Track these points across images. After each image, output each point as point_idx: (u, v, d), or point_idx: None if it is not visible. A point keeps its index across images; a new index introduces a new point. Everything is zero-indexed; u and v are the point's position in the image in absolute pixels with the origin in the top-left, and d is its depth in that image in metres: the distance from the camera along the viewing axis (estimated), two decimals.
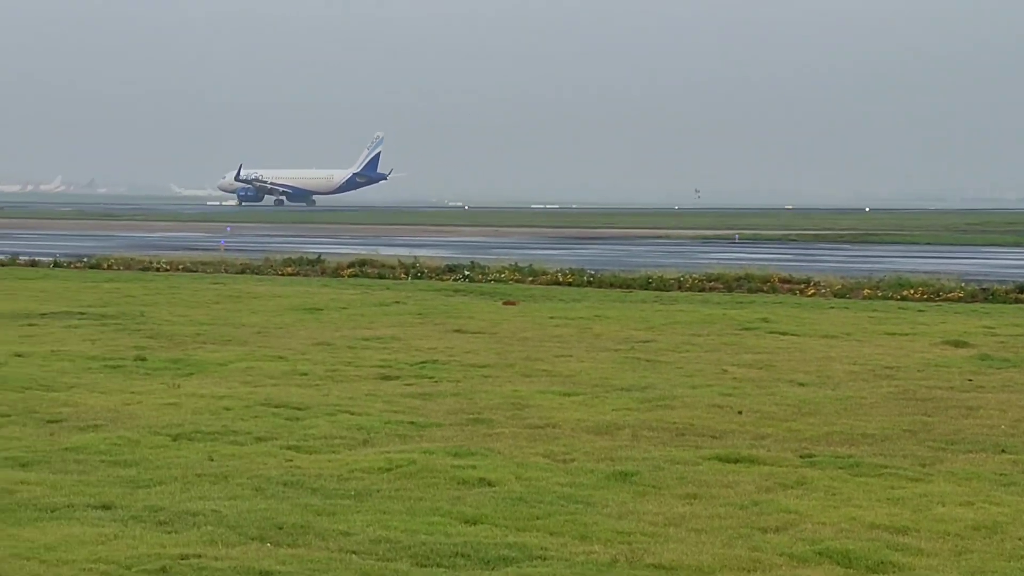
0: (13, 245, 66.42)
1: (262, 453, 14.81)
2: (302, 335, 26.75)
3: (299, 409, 17.65)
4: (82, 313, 30.23)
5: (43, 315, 29.67)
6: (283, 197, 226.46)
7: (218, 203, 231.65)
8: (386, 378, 20.85)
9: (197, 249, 64.10)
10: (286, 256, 50.49)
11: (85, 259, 50.36)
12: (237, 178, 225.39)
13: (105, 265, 48.11)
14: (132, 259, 49.78)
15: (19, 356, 22.50)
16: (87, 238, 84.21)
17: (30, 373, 20.48)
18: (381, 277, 44.52)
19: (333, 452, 14.99)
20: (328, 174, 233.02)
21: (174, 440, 15.41)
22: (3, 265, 48.20)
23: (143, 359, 22.33)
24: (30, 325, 27.65)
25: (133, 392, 18.85)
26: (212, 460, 14.35)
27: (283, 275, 45.44)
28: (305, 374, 21.09)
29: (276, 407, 17.78)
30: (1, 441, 15.08)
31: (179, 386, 19.48)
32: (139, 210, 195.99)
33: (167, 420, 16.64)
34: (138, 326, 27.78)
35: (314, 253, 52.00)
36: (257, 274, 45.84)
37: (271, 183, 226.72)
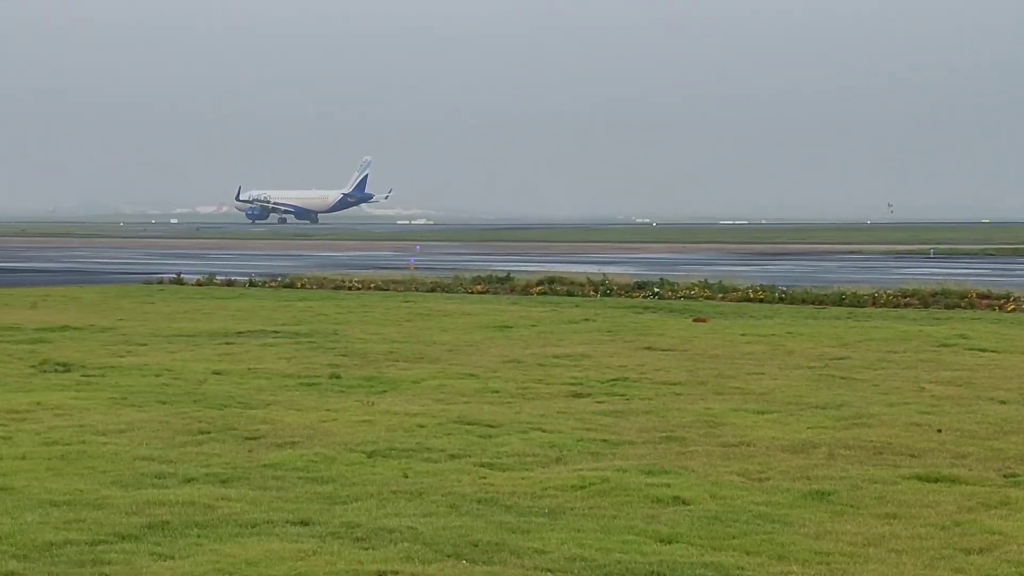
0: (210, 265, 68.07)
1: (456, 470, 14.87)
2: (493, 353, 26.87)
3: (491, 427, 17.70)
4: (277, 332, 30.81)
5: (240, 334, 30.31)
6: (286, 216, 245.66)
7: (407, 222, 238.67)
8: (577, 396, 20.82)
9: (387, 268, 65.00)
10: (475, 274, 50.85)
11: (279, 279, 51.36)
12: (237, 199, 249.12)
13: (298, 284, 48.98)
14: (324, 278, 50.63)
15: (218, 374, 23.00)
16: (281, 258, 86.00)
17: (228, 391, 20.91)
18: (570, 295, 44.55)
19: (526, 470, 14.98)
20: (323, 195, 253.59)
21: (369, 457, 15.56)
22: (201, 285, 49.39)
23: (337, 377, 22.65)
24: (227, 344, 28.26)
25: (328, 409, 19.11)
26: (407, 477, 14.45)
27: (472, 293, 45.75)
28: (497, 392, 21.16)
29: (469, 424, 17.87)
30: (202, 457, 15.40)
31: (373, 403, 19.70)
32: (330, 230, 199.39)
33: (362, 437, 16.82)
34: (332, 344, 28.20)
35: (503, 271, 52.26)
36: (447, 292, 46.24)
37: (274, 203, 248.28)
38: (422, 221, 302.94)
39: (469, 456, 15.67)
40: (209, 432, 17.06)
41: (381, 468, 14.94)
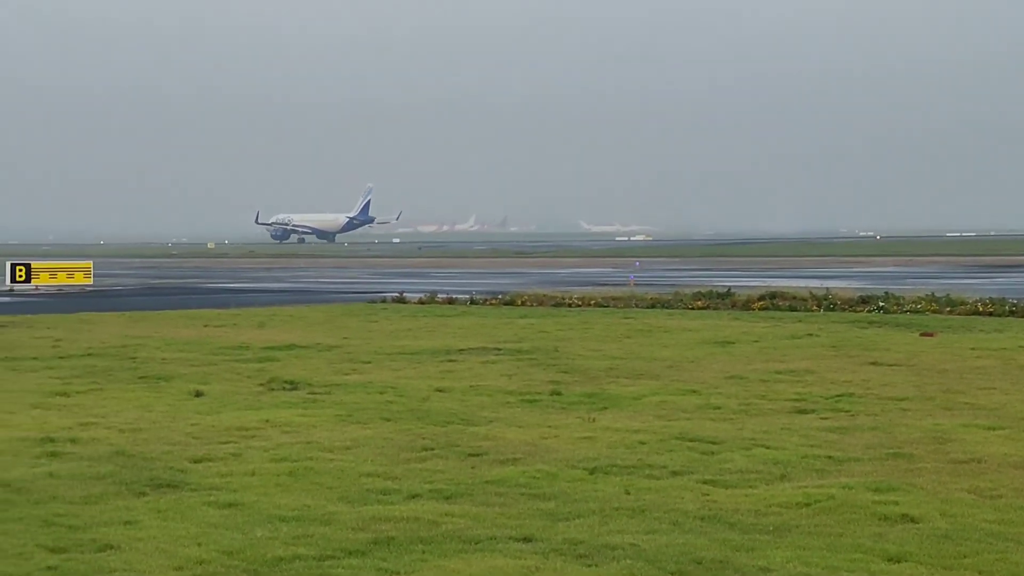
0: (432, 284, 69.06)
1: (678, 487, 14.74)
2: (714, 368, 26.63)
3: (713, 443, 17.51)
4: (498, 349, 31.03)
5: (461, 351, 30.62)
6: (304, 236, 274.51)
7: (626, 238, 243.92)
8: (801, 411, 20.48)
9: (607, 284, 65.04)
10: (695, 290, 50.59)
11: (500, 296, 51.80)
12: (256, 222, 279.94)
13: (519, 302, 49.31)
14: (544, 295, 50.88)
15: (440, 391, 23.25)
16: (501, 275, 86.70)
17: (451, 407, 21.12)
18: (792, 309, 43.98)
19: (750, 486, 14.78)
20: (335, 217, 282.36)
21: (591, 473, 15.53)
22: (423, 303, 50.08)
23: (558, 393, 22.69)
24: (450, 361, 28.56)
25: (550, 426, 19.14)
26: (629, 494, 14.37)
27: (692, 309, 45.46)
28: (718, 408, 20.95)
29: (691, 441, 17.71)
30: (426, 474, 15.55)
31: (594, 420, 19.67)
32: (549, 247, 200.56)
33: (583, 454, 16.79)
34: (552, 361, 28.28)
35: (723, 286, 51.89)
36: (667, 308, 46.05)
37: (294, 225, 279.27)
38: (641, 237, 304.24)
39: (691, 473, 15.53)
40: (432, 449, 17.23)
41: (603, 485, 14.88)
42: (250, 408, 21.07)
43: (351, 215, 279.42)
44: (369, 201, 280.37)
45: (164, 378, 25.32)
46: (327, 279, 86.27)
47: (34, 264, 72.38)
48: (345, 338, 34.56)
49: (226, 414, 20.34)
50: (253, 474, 15.44)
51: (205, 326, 39.34)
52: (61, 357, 29.52)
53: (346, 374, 26.09)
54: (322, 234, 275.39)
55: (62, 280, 71.07)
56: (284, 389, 23.56)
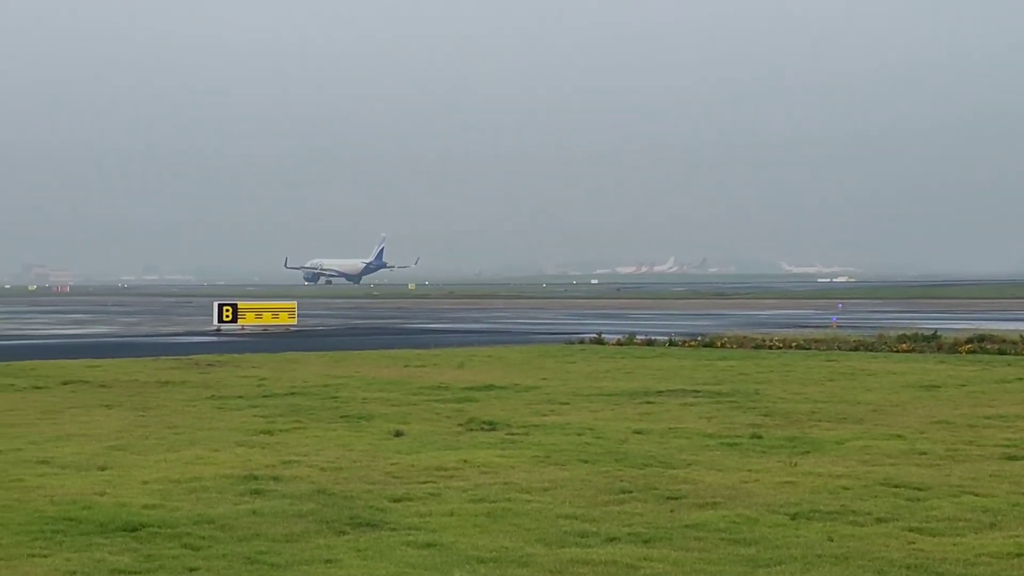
0: (630, 325, 68.88)
1: (883, 534, 14.35)
2: (919, 413, 25.98)
3: (920, 489, 17.03)
4: (697, 391, 30.74)
5: (660, 392, 30.41)
6: (331, 279, 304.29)
7: (828, 280, 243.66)
8: (1012, 458, 19.81)
9: (808, 326, 64.05)
10: (899, 332, 49.55)
11: (699, 337, 51.37)
12: (286, 266, 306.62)
13: (718, 343, 48.84)
14: (744, 337, 50.32)
15: (639, 433, 23.08)
16: (700, 317, 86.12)
17: (649, 450, 20.93)
18: (1002, 353, 42.82)
19: (958, 535, 14.31)
20: (354, 263, 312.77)
21: (792, 519, 15.21)
22: (621, 345, 49.94)
23: (759, 436, 22.35)
24: (648, 403, 28.37)
25: (750, 470, 18.84)
26: (832, 540, 14.04)
27: (897, 351, 44.53)
28: (924, 453, 20.39)
29: (896, 487, 17.25)
30: (624, 516, 15.41)
31: (796, 464, 19.30)
32: (749, 288, 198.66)
33: (784, 498, 16.48)
34: (752, 404, 27.91)
35: (928, 329, 50.72)
36: (870, 351, 45.17)
37: (321, 269, 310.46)
38: (843, 278, 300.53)
39: (897, 520, 15.11)
40: (631, 491, 17.08)
41: (805, 531, 14.57)
42: (449, 448, 21.18)
43: (367, 261, 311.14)
44: (383, 249, 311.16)
45: (365, 417, 25.63)
46: (525, 320, 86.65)
47: (240, 304, 74.15)
48: (543, 379, 34.60)
49: (425, 454, 20.47)
50: (452, 514, 15.48)
51: (405, 366, 39.78)
52: (265, 396, 30.12)
53: (544, 415, 26.09)
54: (348, 277, 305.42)
55: (267, 320, 72.70)
56: (483, 429, 23.64)
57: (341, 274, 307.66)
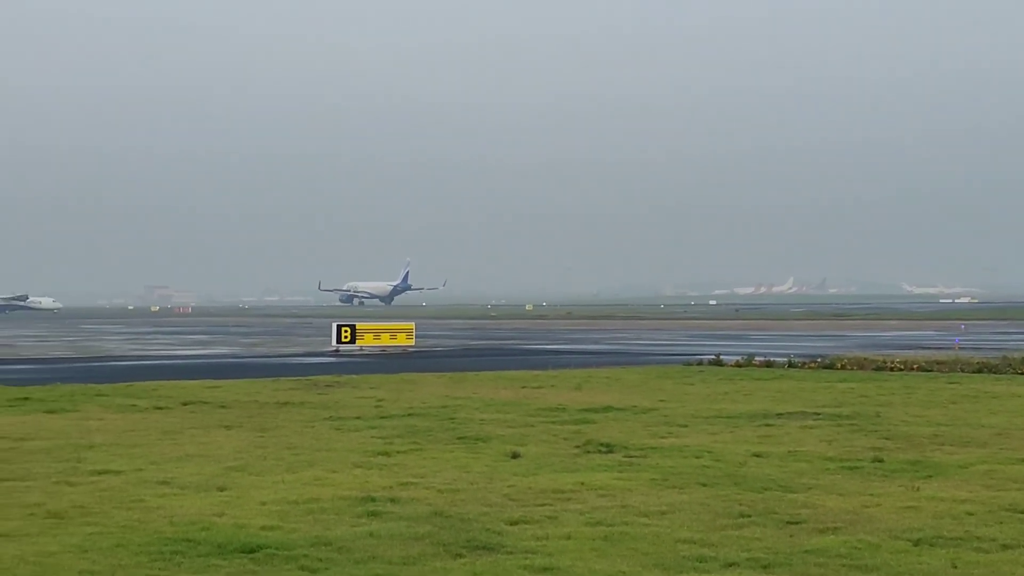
0: (749, 346, 68.32)
1: (1009, 561, 14.00)
2: None
3: None
4: (817, 413, 30.34)
5: (779, 415, 30.05)
6: (363, 300, 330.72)
7: (950, 300, 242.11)
8: None
9: (930, 348, 63.08)
10: None
11: (818, 359, 50.78)
12: (319, 288, 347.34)
13: (838, 365, 48.25)
14: (865, 359, 49.64)
15: (758, 456, 22.80)
16: (819, 338, 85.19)
17: (768, 473, 20.66)
18: None
19: None
20: (384, 285, 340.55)
21: (915, 545, 14.90)
22: (740, 366, 49.51)
23: (880, 460, 21.96)
24: (767, 425, 28.05)
25: (871, 494, 18.51)
26: (956, 567, 13.73)
27: (1022, 374, 43.63)
28: None
29: (1021, 512, 16.84)
30: (743, 541, 15.20)
31: (918, 489, 18.93)
32: (869, 309, 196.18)
33: (907, 524, 16.15)
34: (874, 427, 27.47)
35: None
36: (994, 373, 44.31)
37: (354, 291, 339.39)
38: (966, 299, 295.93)
39: (1023, 547, 14.74)
40: (749, 515, 16.86)
41: (928, 557, 14.26)
42: (566, 470, 21.07)
43: (394, 283, 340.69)
44: (408, 272, 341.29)
45: (482, 439, 25.61)
46: (643, 341, 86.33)
47: (359, 325, 74.62)
48: (661, 400, 34.38)
49: (542, 476, 20.39)
50: (569, 537, 15.37)
51: (523, 387, 39.75)
52: (383, 417, 30.24)
53: (662, 437, 25.89)
54: (380, 298, 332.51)
55: (385, 341, 73.11)
56: (600, 452, 23.50)
57: (373, 295, 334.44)
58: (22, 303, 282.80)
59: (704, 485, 19.39)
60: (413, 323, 79.88)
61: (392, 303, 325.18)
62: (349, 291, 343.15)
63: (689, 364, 51.39)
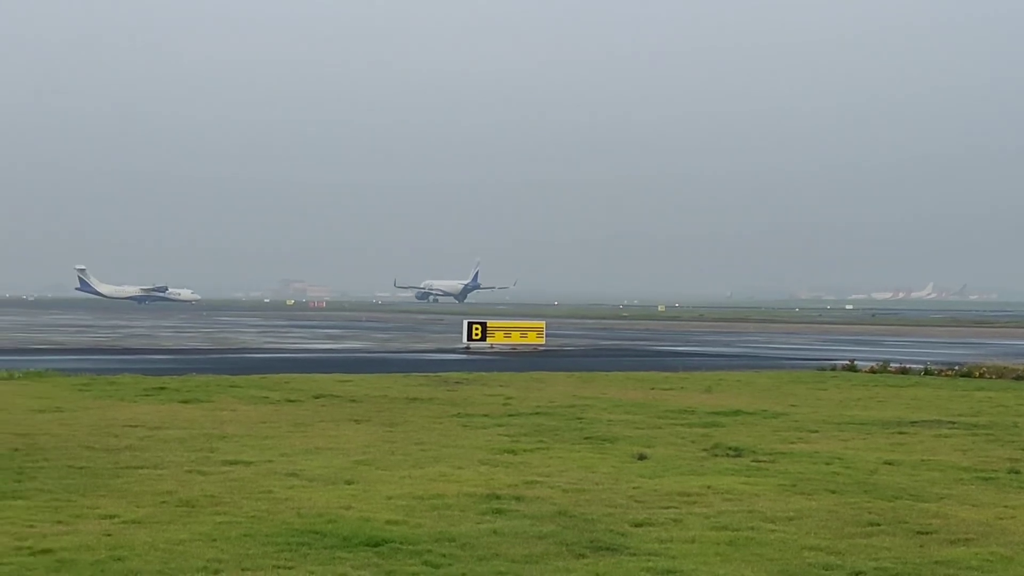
0: (885, 352, 67.35)
1: None
2: None
3: None
4: (952, 422, 29.79)
5: (913, 423, 29.56)
6: (437, 297, 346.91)
7: None
8: None
9: None
10: None
11: (956, 367, 49.87)
12: (396, 285, 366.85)
13: (976, 373, 47.33)
14: (1005, 367, 48.59)
15: (889, 464, 22.43)
16: (958, 345, 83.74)
17: (900, 482, 20.31)
18: None
19: None
20: (456, 283, 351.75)
21: None
22: (874, 372, 48.80)
23: (1017, 472, 21.47)
24: (900, 433, 27.60)
25: (1006, 506, 18.10)
26: None
27: None
28: None
29: None
30: (871, 550, 14.94)
31: None
32: (1012, 316, 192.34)
33: None
34: (1011, 437, 26.89)
35: None
36: None
37: (429, 289, 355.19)
38: None
39: None
40: (879, 524, 16.57)
41: None
42: (693, 473, 20.91)
43: (465, 282, 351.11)
44: (478, 271, 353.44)
45: (609, 439, 25.53)
46: (776, 344, 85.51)
47: (490, 323, 74.93)
48: (792, 405, 34.00)
49: (668, 478, 20.26)
50: (693, 541, 15.24)
51: (652, 388, 39.58)
52: (511, 415, 30.28)
53: (792, 443, 25.59)
54: (455, 296, 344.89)
55: (515, 339, 73.30)
56: (728, 455, 23.30)
57: (446, 293, 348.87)
58: (162, 294, 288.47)
59: (833, 492, 19.11)
60: (543, 322, 79.95)
61: (464, 300, 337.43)
62: (424, 288, 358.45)
63: (822, 369, 50.78)
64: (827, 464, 22.25)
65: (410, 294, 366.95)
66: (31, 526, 15.42)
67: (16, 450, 22.38)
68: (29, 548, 14.14)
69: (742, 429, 27.98)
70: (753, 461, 22.57)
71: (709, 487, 19.34)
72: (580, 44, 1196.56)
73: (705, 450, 24.00)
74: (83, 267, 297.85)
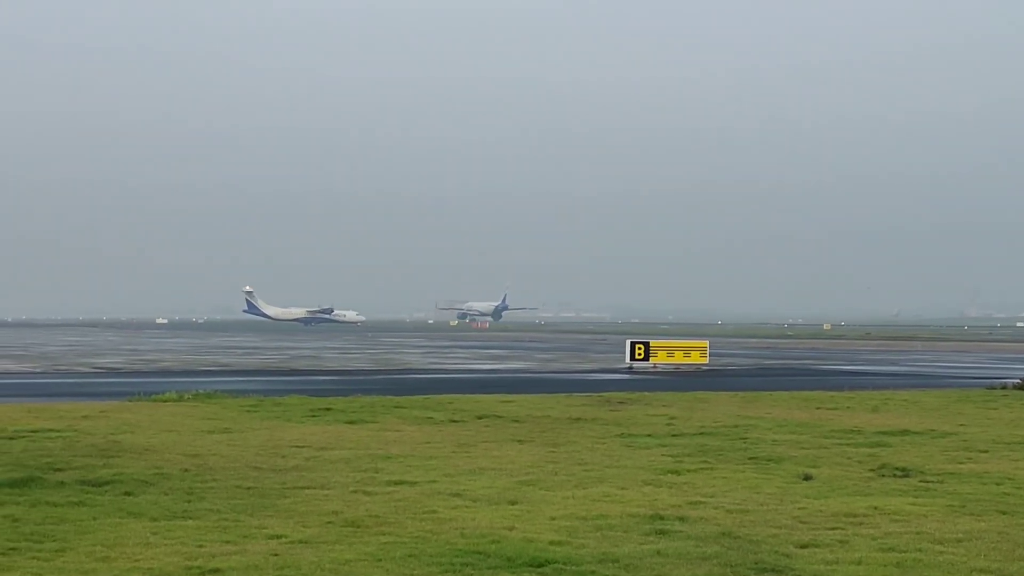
0: None
1: None
2: None
3: None
4: None
5: None
6: (476, 318, 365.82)
7: None
8: None
9: None
10: None
11: None
12: (437, 307, 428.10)
13: None
14: None
15: None
16: None
17: None
18: None
19: None
20: (490, 304, 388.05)
21: None
22: None
23: None
24: None
25: None
26: None
27: None
28: None
29: None
30: None
31: None
32: None
33: None
34: None
35: None
36: None
37: (467, 310, 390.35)
38: None
39: None
40: None
41: None
42: (859, 494, 20.62)
43: (495, 304, 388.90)
44: (506, 294, 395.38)
45: (774, 460, 25.29)
46: (944, 363, 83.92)
47: (652, 343, 74.69)
48: (961, 425, 33.31)
49: (834, 499, 20.01)
50: (860, 563, 15.03)
51: (817, 408, 39.10)
52: (674, 435, 30.15)
53: (960, 463, 25.08)
54: (491, 316, 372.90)
55: (679, 359, 72.95)
56: (895, 476, 22.93)
57: (484, 314, 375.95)
58: (328, 316, 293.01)
59: (1004, 513, 18.71)
60: (707, 341, 79.46)
61: (499, 320, 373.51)
62: (465, 310, 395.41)
63: (993, 388, 49.68)
64: (997, 484, 21.78)
65: (451, 315, 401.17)
66: (200, 546, 15.77)
67: (186, 471, 22.90)
68: (198, 568, 14.46)
69: (910, 449, 27.51)
70: (921, 481, 22.18)
71: (876, 508, 19.06)
72: (677, 58, 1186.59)
73: (872, 470, 23.65)
74: (250, 289, 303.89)
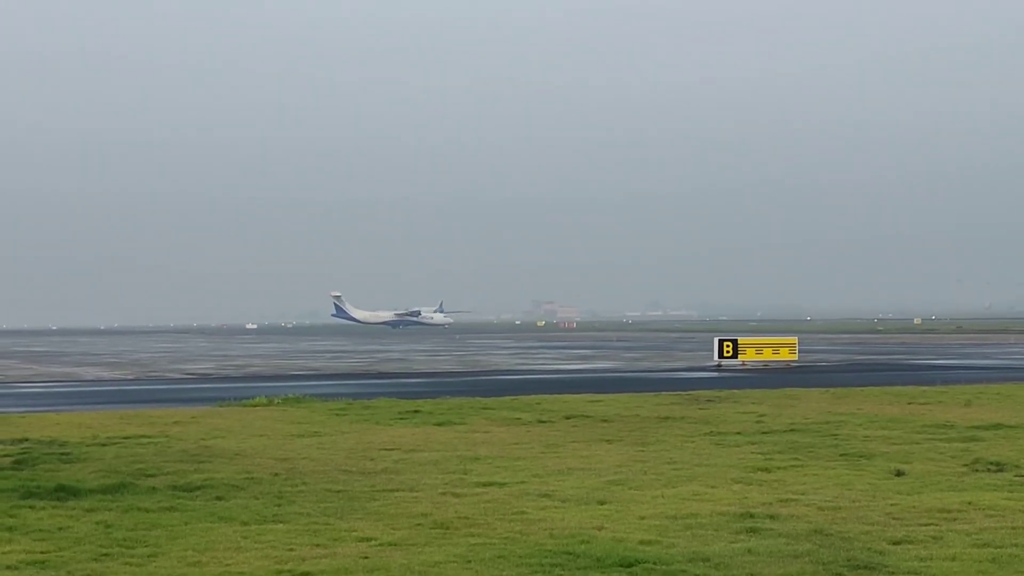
0: None
1: None
2: None
3: None
4: None
5: None
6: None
7: None
8: None
9: None
10: None
11: None
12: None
13: None
14: None
15: None
16: None
17: None
18: None
19: None
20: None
21: None
22: None
23: None
24: None
25: None
26: None
27: None
28: None
29: None
30: None
31: None
32: None
33: None
34: None
35: None
36: None
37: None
38: None
39: None
40: None
41: None
42: (952, 489, 20.36)
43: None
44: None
45: (865, 456, 25.03)
46: None
47: (741, 340, 74.18)
48: None
49: (927, 495, 19.76)
50: (954, 559, 14.83)
51: (909, 403, 38.67)
52: (764, 432, 29.93)
53: None
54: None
55: (767, 356, 72.39)
56: (989, 471, 22.61)
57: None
58: (415, 318, 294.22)
59: None
60: (796, 337, 78.83)
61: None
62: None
63: None
64: None
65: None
66: (291, 549, 15.86)
67: (276, 475, 23.05)
68: (289, 571, 14.54)
69: (1004, 443, 27.12)
70: (1016, 476, 21.86)
71: (970, 503, 18.80)
72: (736, 58, 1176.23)
73: (965, 465, 23.33)
74: (339, 294, 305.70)
